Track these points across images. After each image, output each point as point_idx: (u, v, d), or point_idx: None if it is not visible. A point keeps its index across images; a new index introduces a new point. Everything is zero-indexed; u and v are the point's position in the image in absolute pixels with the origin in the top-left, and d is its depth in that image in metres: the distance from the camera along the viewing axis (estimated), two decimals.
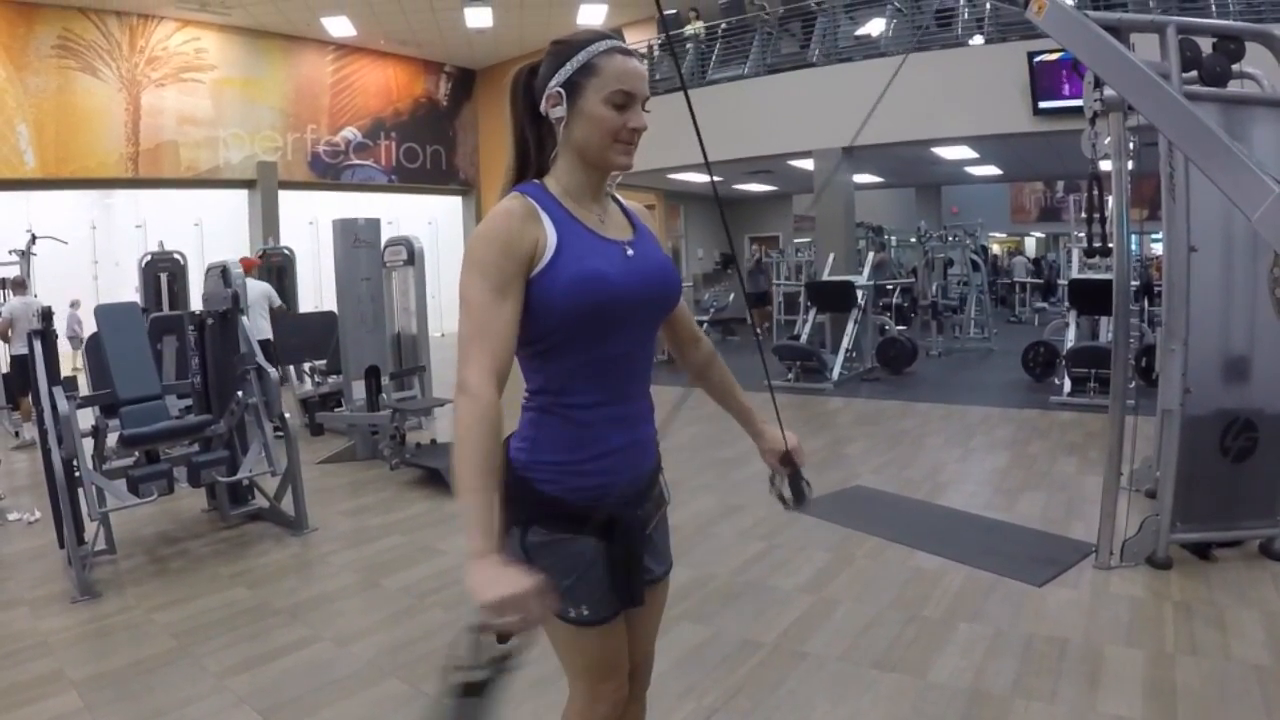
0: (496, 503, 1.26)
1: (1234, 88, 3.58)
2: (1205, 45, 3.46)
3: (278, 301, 8.24)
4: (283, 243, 11.69)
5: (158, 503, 4.37)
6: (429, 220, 18.27)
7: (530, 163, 1.52)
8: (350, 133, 17.60)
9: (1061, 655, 2.98)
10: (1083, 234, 11.71)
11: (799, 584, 3.75)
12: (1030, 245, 29.94)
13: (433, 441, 6.46)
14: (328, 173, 17.37)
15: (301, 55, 16.77)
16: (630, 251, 1.50)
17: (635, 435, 1.54)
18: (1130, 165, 4.77)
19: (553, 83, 1.43)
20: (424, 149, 19.28)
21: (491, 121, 20.70)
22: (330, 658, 3.11)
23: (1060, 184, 25.17)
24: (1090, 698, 2.68)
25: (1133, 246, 3.95)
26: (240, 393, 4.55)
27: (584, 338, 1.42)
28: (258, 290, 7.88)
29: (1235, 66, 3.50)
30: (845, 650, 3.08)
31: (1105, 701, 2.65)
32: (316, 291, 14.15)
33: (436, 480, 5.55)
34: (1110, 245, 3.70)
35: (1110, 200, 4.03)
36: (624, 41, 1.47)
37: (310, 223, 15.73)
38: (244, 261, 8.52)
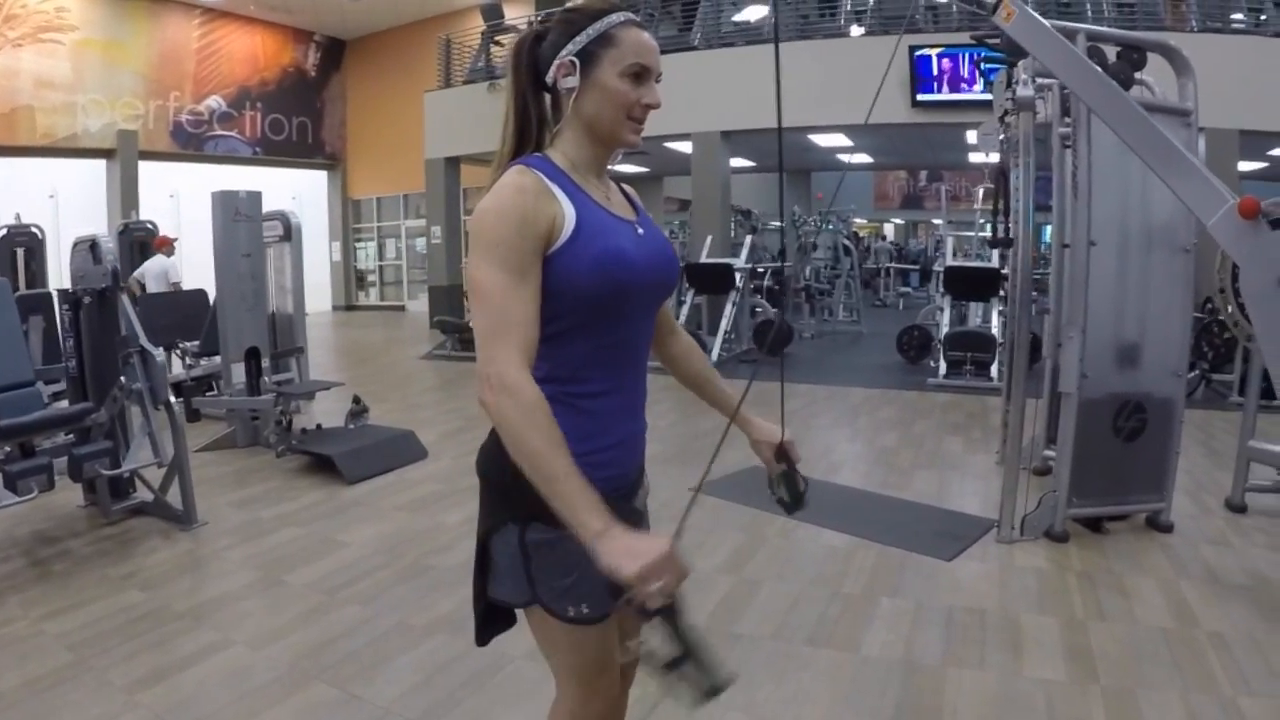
0: (584, 478, 1.22)
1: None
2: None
3: (175, 278, 8.45)
4: (142, 217, 10.96)
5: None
6: (293, 195, 17.55)
7: (531, 136, 1.44)
8: (215, 101, 16.68)
9: (982, 625, 3.13)
10: (945, 222, 12.29)
11: (717, 565, 3.79)
12: (889, 230, 31.16)
13: (319, 427, 6.19)
14: (190, 143, 16.41)
15: (167, 18, 15.75)
16: (640, 231, 1.46)
17: (636, 425, 1.53)
18: (995, 159, 5.04)
19: (565, 51, 1.37)
20: (290, 121, 18.48)
21: (361, 94, 20.05)
22: (247, 663, 2.91)
23: (924, 173, 26.28)
24: (1016, 663, 2.83)
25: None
26: (123, 378, 4.24)
27: (598, 321, 1.37)
28: (157, 266, 8.67)
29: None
30: (776, 629, 3.14)
31: (1030, 666, 2.81)
32: (178, 269, 13.34)
33: (326, 467, 5.32)
34: (1012, 237, 3.87)
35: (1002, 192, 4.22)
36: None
37: (171, 196, 14.84)
38: (158, 240, 9.20)
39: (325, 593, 3.53)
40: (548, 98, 1.45)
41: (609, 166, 1.50)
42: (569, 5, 1.42)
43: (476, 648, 1.57)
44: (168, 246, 9.13)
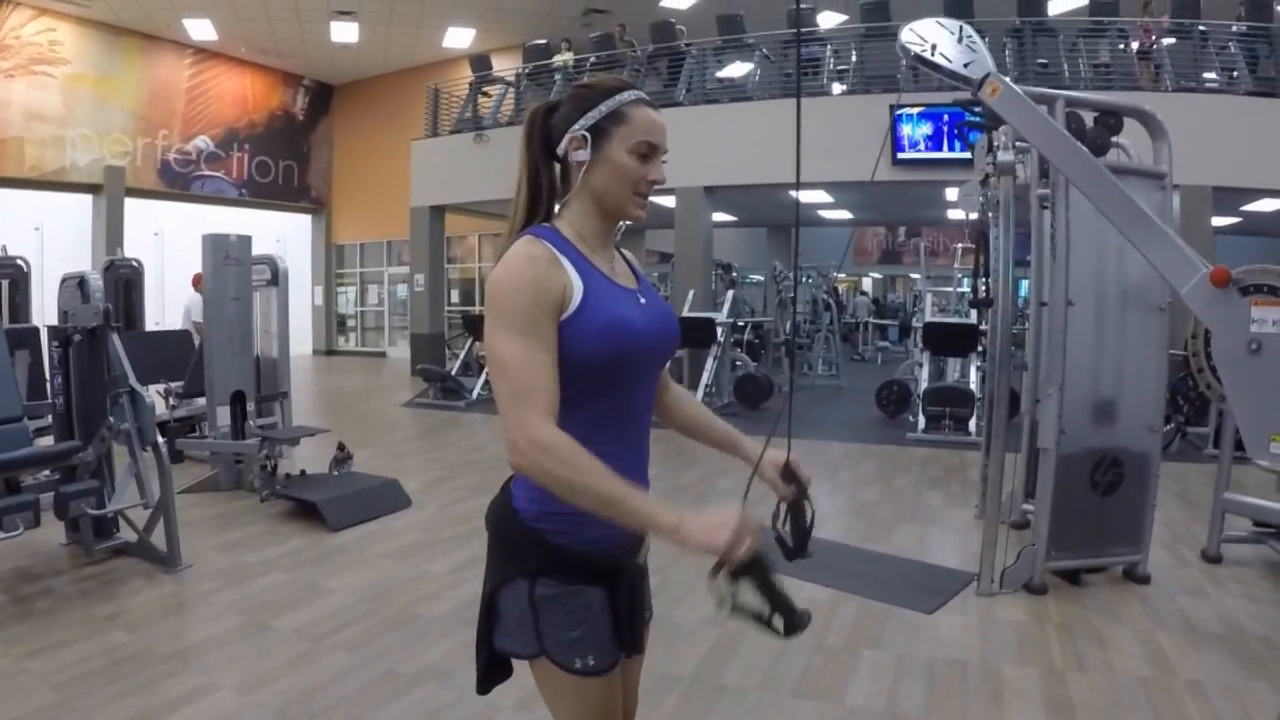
0: (639, 490, 1.31)
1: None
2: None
3: (195, 317, 8.45)
4: (127, 254, 10.94)
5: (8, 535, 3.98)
6: (277, 237, 17.56)
7: (542, 204, 1.50)
8: (203, 141, 16.82)
9: (963, 676, 3.18)
10: (924, 277, 12.43)
11: (701, 617, 3.80)
12: (868, 285, 31.50)
13: (303, 473, 6.17)
14: (177, 182, 16.50)
15: (159, 56, 15.94)
16: (643, 300, 1.52)
17: (640, 482, 1.57)
18: (975, 216, 5.18)
19: (577, 126, 1.43)
20: (277, 163, 18.62)
21: (347, 139, 20.24)
22: (236, 709, 2.90)
23: (902, 229, 26.65)
24: (998, 714, 2.89)
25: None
26: (111, 418, 4.25)
27: (604, 386, 1.42)
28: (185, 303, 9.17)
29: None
30: (761, 680, 3.16)
31: (1012, 717, 2.87)
32: (159, 308, 13.34)
33: (310, 513, 5.30)
34: (992, 297, 3.99)
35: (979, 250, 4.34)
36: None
37: (156, 234, 14.87)
38: (196, 277, 8.98)
39: (312, 639, 3.52)
40: (557, 168, 1.51)
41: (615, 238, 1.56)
42: (582, 81, 1.50)
43: (465, 697, 1.61)
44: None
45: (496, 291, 1.35)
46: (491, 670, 1.55)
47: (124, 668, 3.17)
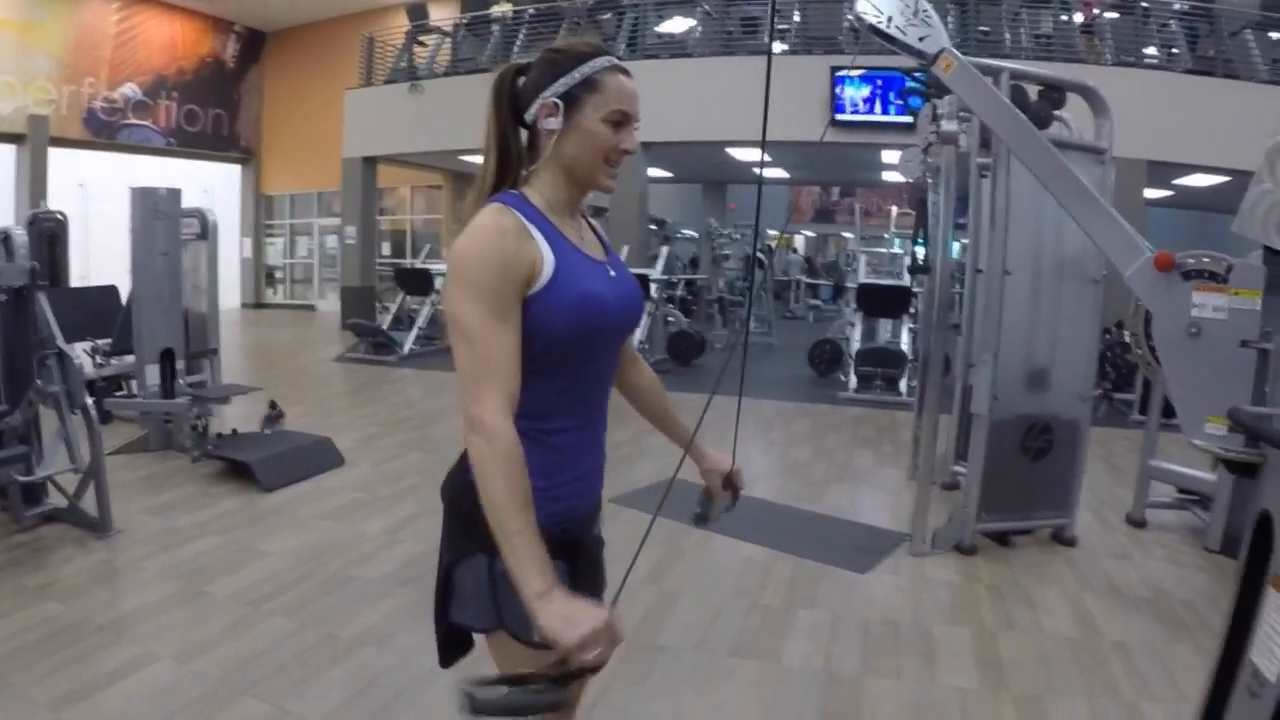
0: (539, 538, 1.24)
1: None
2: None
3: None
4: (51, 206, 10.45)
5: None
6: (205, 188, 16.96)
7: (511, 170, 1.45)
8: (130, 89, 16.12)
9: (897, 635, 3.29)
10: (858, 238, 12.57)
11: (637, 577, 3.76)
12: (800, 243, 31.66)
13: (234, 431, 6.06)
14: (103, 131, 15.84)
15: (85, 1, 15.14)
16: (612, 273, 1.50)
17: (597, 458, 1.56)
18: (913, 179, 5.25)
19: (548, 92, 1.39)
20: (206, 112, 17.96)
21: (279, 88, 19.59)
22: (174, 679, 2.85)
23: (836, 189, 26.80)
24: (931, 672, 3.00)
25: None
26: (39, 380, 4.10)
27: (570, 361, 1.40)
28: None
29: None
30: (699, 641, 3.22)
31: (944, 675, 2.97)
32: (84, 262, 12.80)
33: (242, 473, 5.20)
34: (930, 263, 4.06)
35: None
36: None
37: (80, 185, 14.26)
38: None
39: (249, 604, 3.48)
40: (524, 134, 1.46)
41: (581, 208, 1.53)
42: (553, 45, 1.45)
43: (405, 660, 1.61)
44: None
45: (463, 263, 1.31)
46: (450, 643, 1.55)
47: (59, 640, 3.10)
